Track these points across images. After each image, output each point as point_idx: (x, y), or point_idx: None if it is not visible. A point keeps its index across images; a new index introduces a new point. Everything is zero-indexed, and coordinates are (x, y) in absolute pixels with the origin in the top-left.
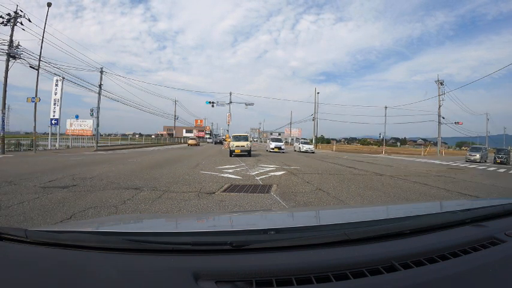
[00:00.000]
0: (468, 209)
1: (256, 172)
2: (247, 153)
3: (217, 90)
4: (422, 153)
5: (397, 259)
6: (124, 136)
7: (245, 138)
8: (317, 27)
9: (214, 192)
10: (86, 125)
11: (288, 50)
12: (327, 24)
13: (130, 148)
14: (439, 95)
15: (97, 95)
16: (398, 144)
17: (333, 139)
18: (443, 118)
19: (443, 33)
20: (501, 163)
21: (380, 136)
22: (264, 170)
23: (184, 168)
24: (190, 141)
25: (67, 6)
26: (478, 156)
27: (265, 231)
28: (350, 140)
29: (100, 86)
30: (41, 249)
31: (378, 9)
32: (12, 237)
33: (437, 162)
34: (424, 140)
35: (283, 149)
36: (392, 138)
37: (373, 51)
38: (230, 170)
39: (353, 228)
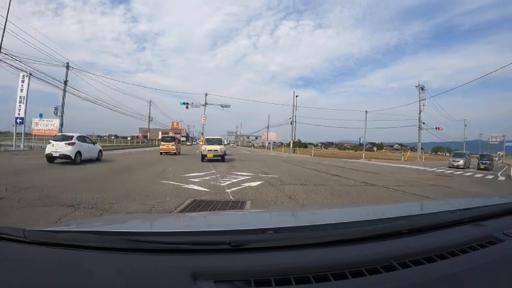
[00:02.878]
0: (466, 209)
1: (228, 182)
2: (221, 158)
3: (196, 92)
4: (402, 159)
5: (396, 258)
6: (99, 138)
7: (219, 142)
8: (296, 33)
9: (170, 212)
10: (52, 125)
11: (267, 55)
12: (306, 30)
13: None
14: (419, 100)
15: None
16: (375, 149)
17: (310, 143)
18: (424, 123)
19: (420, 42)
20: (485, 169)
21: (360, 141)
22: (238, 180)
23: (145, 176)
24: (163, 146)
25: (47, 4)
26: (461, 162)
27: (263, 231)
28: (327, 145)
29: (65, 82)
30: (40, 249)
31: (357, 17)
32: (10, 237)
33: (421, 168)
34: (401, 145)
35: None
36: (369, 143)
37: (352, 58)
38: (197, 180)
39: (352, 228)
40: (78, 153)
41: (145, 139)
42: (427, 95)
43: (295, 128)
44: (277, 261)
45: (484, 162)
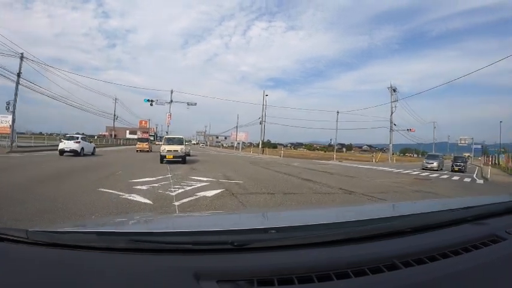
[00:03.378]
0: (469, 207)
1: (181, 190)
2: (182, 159)
3: (167, 90)
4: (374, 160)
5: (399, 257)
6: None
7: (180, 142)
8: (268, 34)
9: None
10: (6, 122)
11: (239, 55)
12: (278, 31)
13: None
14: (391, 102)
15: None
16: (344, 150)
17: (279, 144)
18: (395, 125)
19: (390, 47)
20: (459, 171)
21: (331, 141)
22: (193, 187)
23: (86, 181)
24: (139, 145)
25: None
26: (435, 164)
27: (266, 231)
28: (296, 145)
29: (18, 74)
30: (43, 250)
31: (330, 20)
32: (13, 238)
33: (395, 170)
34: (370, 146)
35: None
36: (338, 144)
37: (323, 60)
38: (144, 187)
39: (354, 227)
40: (82, 149)
41: (113, 138)
42: (399, 96)
43: (264, 128)
44: (280, 261)
45: (458, 164)
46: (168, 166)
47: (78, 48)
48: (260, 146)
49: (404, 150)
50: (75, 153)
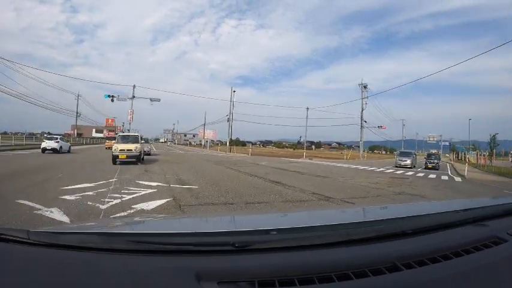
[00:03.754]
0: (470, 209)
1: (116, 202)
2: (136, 159)
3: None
4: (345, 158)
5: (400, 259)
6: (31, 135)
7: (135, 140)
8: (238, 32)
9: None
10: None
11: (209, 53)
12: (248, 29)
13: (16, 149)
14: (362, 98)
15: None
16: (313, 147)
17: (248, 142)
18: (366, 122)
19: (359, 46)
20: (433, 168)
21: (300, 139)
22: (134, 196)
23: (13, 188)
24: (108, 143)
25: None
26: (408, 161)
27: (267, 232)
28: (265, 143)
29: None
30: (44, 250)
31: (300, 19)
32: (14, 238)
33: (368, 168)
34: (339, 143)
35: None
36: (307, 141)
37: (292, 59)
38: (73, 197)
39: (355, 229)
40: (61, 147)
41: (79, 136)
42: (368, 94)
43: (231, 126)
44: (281, 262)
45: (431, 161)
46: (119, 168)
47: (45, 44)
48: (228, 144)
49: (373, 147)
50: (54, 150)
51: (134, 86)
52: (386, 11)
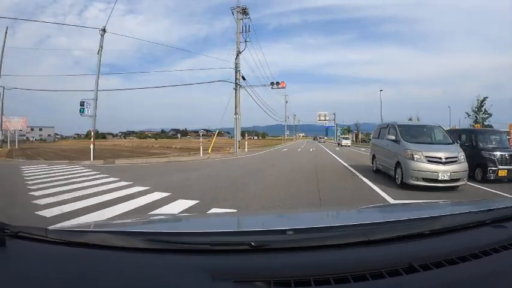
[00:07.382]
0: (488, 210)
1: None
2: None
3: None
4: (209, 150)
5: (416, 260)
6: None
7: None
8: (106, 16)
9: None
10: None
11: (73, 38)
12: (116, 14)
13: None
14: (236, 89)
15: None
16: (179, 136)
17: (109, 133)
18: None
19: (227, 36)
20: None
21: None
22: None
23: None
24: None
25: None
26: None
27: (283, 232)
28: (127, 134)
29: None
30: (62, 248)
31: (169, 6)
32: (32, 236)
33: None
34: (207, 130)
35: None
36: (172, 129)
37: (159, 46)
38: None
39: (372, 229)
40: None
41: None
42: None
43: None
44: (297, 262)
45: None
46: None
47: None
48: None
49: (242, 133)
50: None
51: None
52: (256, 3)
